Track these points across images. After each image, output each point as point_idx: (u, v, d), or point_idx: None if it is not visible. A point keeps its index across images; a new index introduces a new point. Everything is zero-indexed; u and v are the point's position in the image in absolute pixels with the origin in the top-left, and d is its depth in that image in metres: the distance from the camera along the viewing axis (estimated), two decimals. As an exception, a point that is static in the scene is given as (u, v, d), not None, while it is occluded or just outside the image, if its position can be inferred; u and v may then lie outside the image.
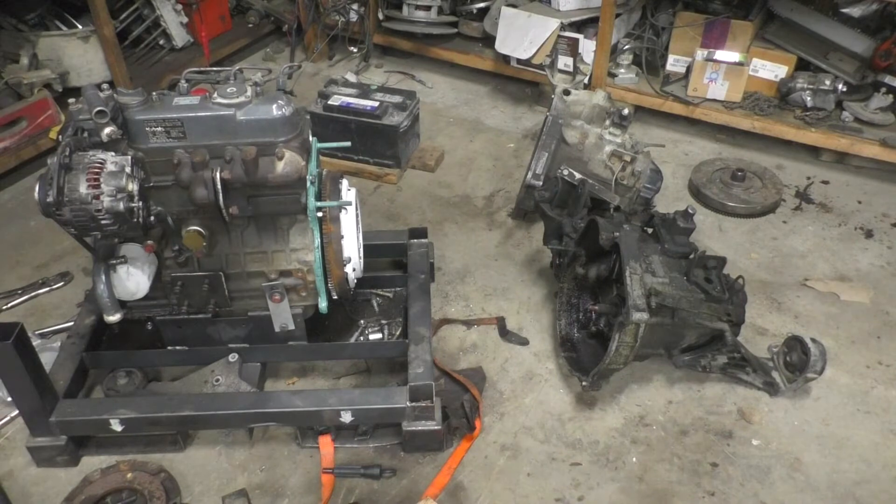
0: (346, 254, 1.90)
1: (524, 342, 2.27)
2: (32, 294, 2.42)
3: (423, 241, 2.37)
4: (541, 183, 2.42)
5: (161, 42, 3.57)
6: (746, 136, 3.14)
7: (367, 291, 2.37)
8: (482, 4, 3.64)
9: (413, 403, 1.86)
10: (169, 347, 2.06)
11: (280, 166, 1.72)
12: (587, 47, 3.17)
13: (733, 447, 1.95)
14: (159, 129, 1.69)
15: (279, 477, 1.89)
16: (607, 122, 2.49)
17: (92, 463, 1.92)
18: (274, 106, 1.71)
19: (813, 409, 2.06)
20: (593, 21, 3.18)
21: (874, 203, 2.86)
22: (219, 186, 1.69)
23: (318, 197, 1.82)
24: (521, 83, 3.59)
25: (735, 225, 2.76)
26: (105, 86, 1.70)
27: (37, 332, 2.24)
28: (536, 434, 1.99)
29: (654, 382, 2.14)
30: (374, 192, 2.94)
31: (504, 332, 2.30)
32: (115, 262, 1.77)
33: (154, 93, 1.72)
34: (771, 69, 3.07)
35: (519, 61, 3.39)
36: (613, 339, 1.84)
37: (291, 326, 2.00)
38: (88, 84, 1.71)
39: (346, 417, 1.86)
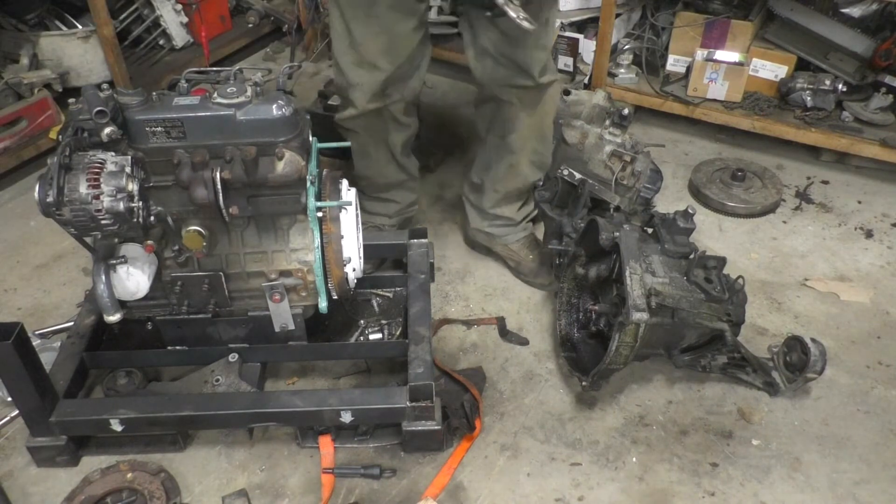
0: (346, 254, 1.90)
1: (524, 342, 2.27)
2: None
3: (423, 241, 2.36)
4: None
5: (161, 42, 3.56)
6: (746, 136, 3.14)
7: (367, 291, 2.37)
8: (482, 4, 3.63)
9: (413, 403, 1.85)
10: (169, 347, 2.06)
11: (280, 166, 1.72)
12: (587, 47, 3.17)
13: (733, 447, 1.95)
14: (159, 129, 1.69)
15: (279, 477, 1.89)
16: (607, 122, 2.48)
17: (92, 463, 1.92)
18: (274, 106, 1.70)
19: (813, 409, 2.06)
20: (593, 21, 3.18)
21: (874, 203, 2.86)
22: (219, 186, 1.68)
23: (318, 197, 1.82)
24: (521, 83, 3.58)
25: (735, 225, 2.75)
26: (105, 86, 1.69)
27: (37, 332, 2.24)
28: (536, 434, 1.99)
29: (654, 382, 2.14)
30: (374, 192, 2.93)
31: (504, 332, 2.30)
32: (115, 262, 1.77)
33: (154, 93, 1.72)
34: (771, 69, 3.07)
35: (519, 61, 3.38)
36: (613, 339, 1.84)
37: (291, 326, 2.00)
38: (88, 84, 1.71)
39: (346, 417, 1.86)
